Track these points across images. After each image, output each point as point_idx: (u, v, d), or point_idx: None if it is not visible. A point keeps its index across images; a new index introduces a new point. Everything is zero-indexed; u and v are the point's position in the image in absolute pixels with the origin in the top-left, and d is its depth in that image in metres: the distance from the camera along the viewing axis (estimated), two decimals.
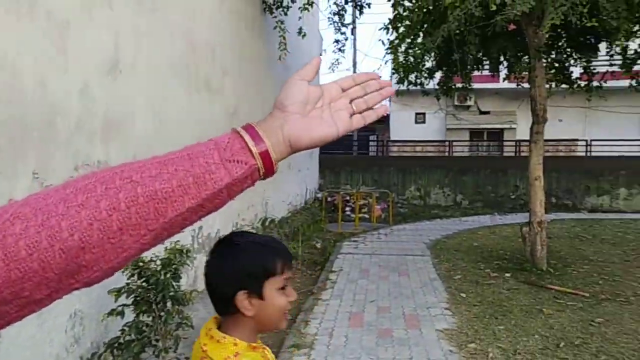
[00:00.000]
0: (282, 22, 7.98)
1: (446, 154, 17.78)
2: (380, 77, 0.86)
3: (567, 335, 4.82)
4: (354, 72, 23.54)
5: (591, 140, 16.64)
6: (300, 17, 8.25)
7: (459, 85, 9.14)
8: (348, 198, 12.85)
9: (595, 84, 8.67)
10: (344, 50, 9.62)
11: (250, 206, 7.47)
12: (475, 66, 8.84)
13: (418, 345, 4.59)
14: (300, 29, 8.52)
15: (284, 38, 8.08)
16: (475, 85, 10.71)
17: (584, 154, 16.97)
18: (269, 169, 0.74)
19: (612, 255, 8.38)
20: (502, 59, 8.80)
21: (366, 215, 12.33)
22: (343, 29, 9.21)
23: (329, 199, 13.08)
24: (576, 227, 11.16)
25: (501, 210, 14.17)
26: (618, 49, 7.62)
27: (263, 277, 1.19)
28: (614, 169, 15.02)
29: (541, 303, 5.81)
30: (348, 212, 12.50)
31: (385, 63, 7.88)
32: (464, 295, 6.14)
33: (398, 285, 6.60)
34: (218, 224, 5.59)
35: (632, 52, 7.77)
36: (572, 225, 11.48)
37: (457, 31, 6.65)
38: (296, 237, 8.81)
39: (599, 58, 8.88)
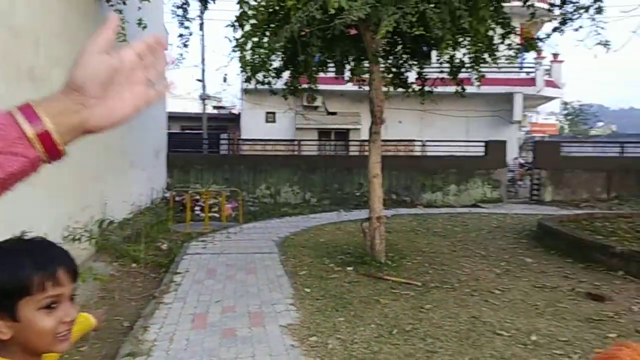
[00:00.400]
0: (120, 12, 7.51)
1: (296, 152, 18.15)
2: (163, 40, 0.79)
3: (399, 322, 5.15)
4: (203, 68, 23.03)
5: (426, 141, 18.07)
6: (139, 8, 7.82)
7: (306, 85, 9.34)
8: (197, 197, 12.54)
9: (427, 88, 9.43)
10: (188, 45, 9.31)
11: (85, 207, 6.93)
12: (320, 68, 9.11)
13: (261, 342, 4.60)
14: (141, 19, 8.08)
15: (123, 29, 7.60)
16: (323, 87, 11.04)
17: (420, 153, 18.37)
18: (54, 156, 0.67)
19: (442, 246, 9.16)
20: (345, 61, 9.18)
21: (216, 215, 12.14)
22: (187, 23, 8.93)
23: (177, 198, 12.64)
24: (413, 222, 12.01)
25: (347, 207, 14.76)
26: (446, 57, 8.34)
27: (13, 296, 0.97)
28: (446, 168, 16.51)
29: (378, 294, 6.15)
30: (197, 212, 12.20)
31: (231, 60, 7.77)
32: (308, 290, 6.29)
33: (245, 284, 6.57)
34: (45, 228, 5.05)
35: (457, 61, 8.55)
36: (409, 220, 12.33)
37: (302, 32, 6.79)
38: (139, 238, 8.38)
39: (432, 65, 9.67)
